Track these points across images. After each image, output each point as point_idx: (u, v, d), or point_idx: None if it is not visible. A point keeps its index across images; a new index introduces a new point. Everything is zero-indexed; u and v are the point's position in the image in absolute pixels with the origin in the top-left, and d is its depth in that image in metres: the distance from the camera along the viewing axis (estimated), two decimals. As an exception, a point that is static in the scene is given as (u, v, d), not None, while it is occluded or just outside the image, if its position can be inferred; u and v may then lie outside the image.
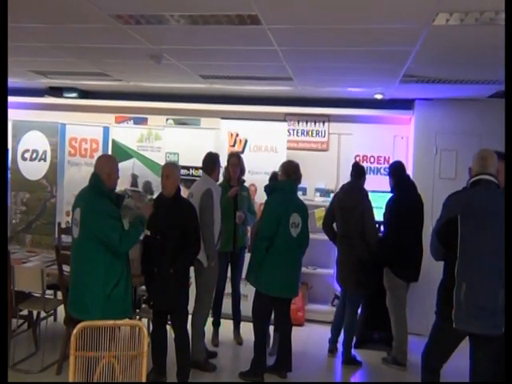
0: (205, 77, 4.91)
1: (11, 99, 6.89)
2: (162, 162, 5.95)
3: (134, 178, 6.16)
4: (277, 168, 4.58)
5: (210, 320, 4.63)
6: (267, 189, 4.18)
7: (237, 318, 4.97)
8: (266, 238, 3.88)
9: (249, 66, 4.34)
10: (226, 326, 4.98)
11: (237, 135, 5.81)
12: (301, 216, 3.96)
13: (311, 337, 5.29)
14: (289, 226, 3.88)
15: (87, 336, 2.34)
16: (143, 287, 4.03)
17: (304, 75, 4.59)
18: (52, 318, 4.78)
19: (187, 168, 5.83)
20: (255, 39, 3.40)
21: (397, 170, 4.55)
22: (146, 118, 6.61)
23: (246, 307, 4.81)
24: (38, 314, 4.42)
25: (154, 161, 6.14)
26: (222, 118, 5.90)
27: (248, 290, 4.98)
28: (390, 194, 4.57)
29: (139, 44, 3.71)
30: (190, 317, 3.99)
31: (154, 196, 6.01)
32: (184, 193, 3.99)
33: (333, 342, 4.75)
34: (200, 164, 4.44)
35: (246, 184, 4.97)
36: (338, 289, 5.21)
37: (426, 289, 4.72)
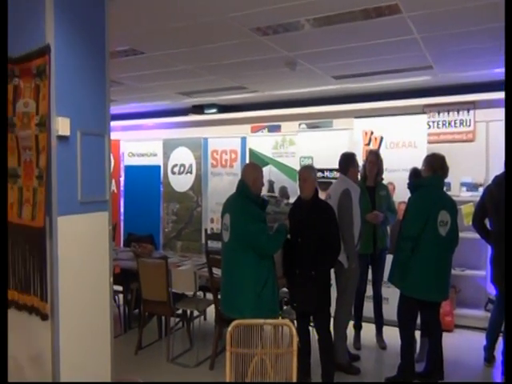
0: (337, 77, 4.91)
1: (161, 120, 7.75)
2: (297, 167, 6.07)
3: (271, 183, 6.37)
4: (416, 164, 4.35)
5: (351, 323, 4.56)
6: (411, 186, 3.99)
7: (379, 321, 4.82)
8: (410, 238, 3.70)
9: (384, 60, 4.24)
10: (368, 329, 4.87)
11: (371, 133, 5.67)
12: (450, 213, 3.68)
13: (462, 343, 4.90)
14: (437, 225, 3.64)
15: (240, 334, 2.48)
16: (285, 289, 4.13)
17: (445, 61, 4.34)
18: (202, 317, 5.14)
19: (322, 171, 5.86)
20: (393, 30, 3.33)
21: None
22: (280, 125, 6.81)
23: (388, 310, 4.68)
24: (191, 313, 4.76)
25: (289, 166, 6.29)
26: (356, 117, 5.81)
27: (390, 293, 4.81)
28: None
29: (275, 53, 3.86)
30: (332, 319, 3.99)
31: (290, 200, 6.16)
32: (321, 196, 4.00)
33: (489, 349, 4.34)
34: (334, 166, 4.42)
35: (384, 182, 4.81)
36: (492, 292, 4.74)
37: None
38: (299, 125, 6.66)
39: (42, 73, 2.41)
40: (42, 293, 2.49)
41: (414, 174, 4.45)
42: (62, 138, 2.49)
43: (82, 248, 2.66)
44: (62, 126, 2.46)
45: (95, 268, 2.76)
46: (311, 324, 3.90)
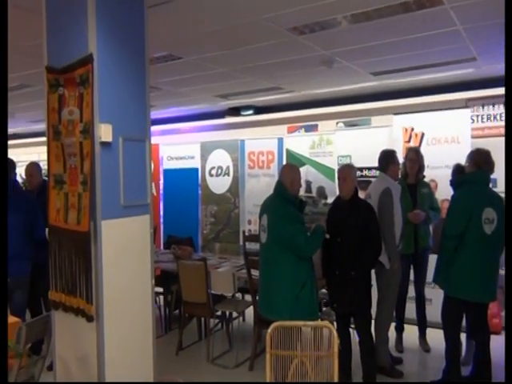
0: (376, 74, 4.83)
1: (198, 123, 7.86)
2: (335, 167, 6.02)
3: (308, 184, 6.33)
4: (460, 160, 4.22)
5: (392, 325, 4.47)
6: (454, 182, 3.87)
7: (422, 323, 4.70)
8: (453, 237, 3.59)
9: (425, 54, 4.14)
10: (410, 331, 4.76)
11: (412, 130, 5.54)
12: (496, 211, 3.55)
13: (512, 347, 4.71)
14: (481, 223, 3.51)
15: (279, 335, 2.48)
16: (324, 290, 4.09)
17: (489, 53, 4.19)
18: (241, 318, 5.16)
19: (360, 169, 5.77)
20: (434, 22, 3.25)
21: None
22: (317, 125, 6.76)
23: (431, 312, 4.57)
24: (230, 314, 4.79)
25: (327, 166, 6.24)
26: (395, 114, 5.69)
27: (433, 294, 4.69)
28: None
29: (312, 52, 3.84)
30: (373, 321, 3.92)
31: (328, 200, 6.10)
32: (360, 195, 3.94)
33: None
34: (373, 164, 4.35)
35: (426, 179, 4.69)
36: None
37: None
38: (336, 123, 6.59)
39: (85, 81, 2.48)
40: (87, 295, 2.56)
41: (458, 170, 4.32)
42: (104, 144, 2.56)
43: (124, 251, 2.72)
44: (104, 132, 2.53)
45: (138, 270, 2.81)
46: (352, 326, 3.85)
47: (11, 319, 3.05)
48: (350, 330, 3.86)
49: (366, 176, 5.73)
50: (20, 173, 7.41)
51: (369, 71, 4.69)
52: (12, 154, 9.48)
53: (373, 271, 3.88)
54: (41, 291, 4.39)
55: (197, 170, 7.59)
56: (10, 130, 9.72)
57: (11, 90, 5.47)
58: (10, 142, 11.20)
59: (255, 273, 4.11)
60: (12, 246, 3.95)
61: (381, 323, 4.09)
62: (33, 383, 1.88)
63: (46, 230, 2.90)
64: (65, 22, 2.64)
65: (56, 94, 2.62)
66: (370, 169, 5.66)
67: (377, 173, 4.49)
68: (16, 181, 4.40)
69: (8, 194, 4.09)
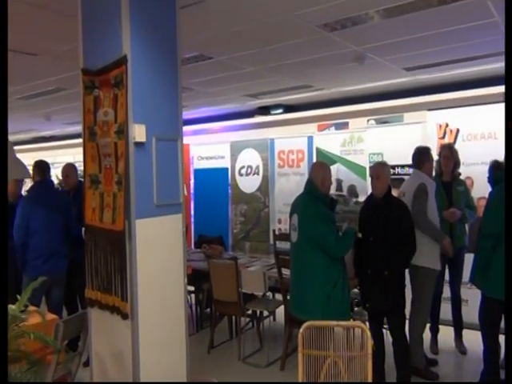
0: (409, 69, 4.74)
1: (228, 123, 7.90)
2: (366, 165, 5.94)
3: (339, 182, 6.27)
4: (497, 157, 4.09)
5: (427, 326, 4.38)
6: (491, 180, 3.77)
7: (458, 324, 4.59)
8: (491, 236, 3.48)
9: (461, 48, 4.04)
10: (446, 332, 4.65)
11: (446, 126, 5.40)
12: None
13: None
14: None
15: (311, 335, 2.46)
16: (355, 290, 4.05)
17: (529, 44, 4.05)
18: (272, 317, 5.15)
19: (393, 167, 5.66)
20: (471, 14, 3.17)
21: None
22: (347, 122, 6.68)
23: (467, 313, 4.47)
24: (261, 313, 4.79)
25: (358, 164, 6.16)
26: (429, 110, 5.55)
27: (469, 295, 4.57)
28: None
29: (343, 48, 3.81)
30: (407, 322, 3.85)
31: (359, 199, 6.02)
32: (393, 193, 3.88)
33: None
34: (406, 162, 4.27)
35: (462, 177, 4.57)
36: None
37: None
38: (367, 121, 6.50)
39: (119, 82, 2.52)
40: (122, 293, 2.60)
41: (495, 167, 4.19)
42: (138, 144, 2.59)
43: (158, 250, 2.75)
44: (138, 132, 2.56)
45: (171, 269, 2.84)
46: (385, 326, 3.80)
47: (49, 316, 3.14)
48: (383, 330, 3.80)
49: (398, 174, 5.62)
50: (56, 174, 7.63)
51: (402, 66, 4.61)
52: (48, 155, 9.80)
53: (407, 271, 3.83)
54: (77, 289, 4.51)
55: (227, 169, 7.63)
56: (47, 133, 10.00)
57: (48, 94, 5.63)
58: (46, 144, 11.57)
59: (286, 272, 4.10)
60: (49, 245, 4.09)
61: (415, 324, 4.02)
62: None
63: (82, 229, 2.97)
64: (99, 25, 2.69)
65: (91, 95, 2.67)
66: (402, 166, 5.55)
67: (409, 171, 4.40)
68: (51, 181, 4.52)
69: (45, 194, 4.25)
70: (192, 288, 5.18)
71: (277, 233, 6.10)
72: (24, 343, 2.17)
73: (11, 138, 4.85)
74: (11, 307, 2.36)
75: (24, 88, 5.24)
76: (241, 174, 7.43)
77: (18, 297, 2.32)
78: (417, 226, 3.71)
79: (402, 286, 3.60)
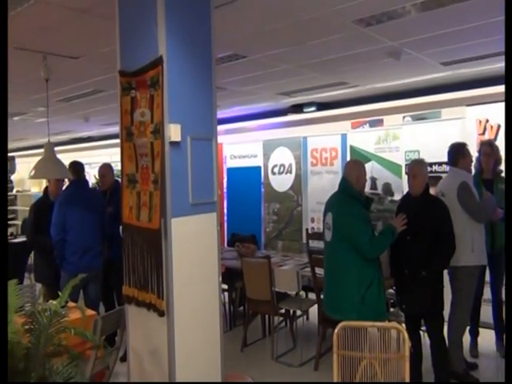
0: (447, 63, 4.61)
1: (261, 122, 7.89)
2: (401, 162, 5.83)
3: (373, 180, 6.18)
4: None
5: (467, 328, 4.26)
6: None
7: (499, 327, 4.44)
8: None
9: (501, 40, 3.87)
10: (486, 335, 4.52)
11: (487, 121, 5.23)
12: None
13: None
14: None
15: (346, 336, 2.43)
16: (391, 290, 3.98)
17: None
18: (305, 316, 5.13)
19: (430, 165, 5.53)
20: None
21: None
22: (382, 120, 6.57)
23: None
24: (294, 312, 4.78)
25: (393, 161, 6.04)
26: (468, 105, 5.40)
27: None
28: None
29: (378, 44, 3.74)
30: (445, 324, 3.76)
31: (394, 197, 5.93)
32: (431, 191, 3.78)
33: None
34: (443, 159, 4.16)
35: (503, 174, 4.41)
36: None
37: None
38: (403, 117, 6.36)
39: (155, 83, 2.55)
40: (158, 290, 2.64)
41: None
42: (174, 144, 2.62)
43: (193, 248, 2.78)
44: (173, 132, 2.59)
45: (206, 267, 2.86)
46: (422, 328, 3.71)
47: (88, 312, 3.21)
48: (421, 332, 3.72)
49: (435, 172, 5.48)
50: (94, 174, 7.82)
51: (439, 61, 4.48)
52: (85, 156, 10.04)
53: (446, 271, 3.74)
54: (113, 286, 4.61)
55: (259, 168, 7.64)
56: (84, 134, 10.25)
57: (86, 96, 5.77)
58: (83, 145, 11.81)
59: (319, 271, 4.07)
60: (84, 242, 4.21)
61: (454, 326, 3.91)
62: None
63: (120, 227, 3.02)
64: (136, 27, 2.73)
65: (128, 96, 2.72)
66: (440, 164, 5.42)
67: (447, 168, 4.28)
68: (86, 181, 4.64)
69: (79, 193, 4.37)
70: (225, 286, 5.22)
71: (310, 231, 6.07)
72: (65, 338, 2.24)
73: (52, 139, 5.01)
74: (52, 303, 2.44)
75: (64, 90, 5.40)
76: (273, 173, 7.43)
77: (60, 293, 2.39)
78: (476, 219, 3.66)
79: (441, 286, 3.50)
